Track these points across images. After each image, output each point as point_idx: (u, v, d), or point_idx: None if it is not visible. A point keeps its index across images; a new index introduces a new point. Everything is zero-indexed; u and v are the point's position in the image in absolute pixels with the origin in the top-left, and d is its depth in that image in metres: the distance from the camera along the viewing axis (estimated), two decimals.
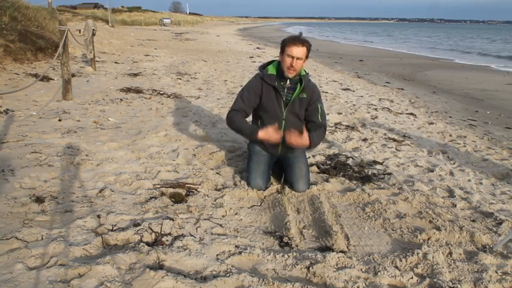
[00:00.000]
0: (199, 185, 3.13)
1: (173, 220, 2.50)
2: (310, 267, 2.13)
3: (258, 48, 19.82)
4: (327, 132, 3.35)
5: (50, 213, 2.50)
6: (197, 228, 2.48)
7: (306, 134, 2.95)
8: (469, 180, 3.65)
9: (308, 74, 3.14)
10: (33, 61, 8.14)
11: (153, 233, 2.33)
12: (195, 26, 52.49)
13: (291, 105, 3.09)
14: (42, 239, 2.19)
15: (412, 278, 2.11)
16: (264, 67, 3.17)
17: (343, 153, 4.09)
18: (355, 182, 3.39)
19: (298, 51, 2.90)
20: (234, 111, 3.14)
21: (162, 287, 1.89)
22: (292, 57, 2.91)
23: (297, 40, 2.92)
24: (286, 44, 2.95)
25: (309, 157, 3.74)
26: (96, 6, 64.89)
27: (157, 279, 1.91)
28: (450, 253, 2.38)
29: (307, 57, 2.99)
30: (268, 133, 2.95)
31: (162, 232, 2.36)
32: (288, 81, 3.05)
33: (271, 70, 3.09)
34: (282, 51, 2.98)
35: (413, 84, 10.91)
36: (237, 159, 3.78)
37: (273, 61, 3.18)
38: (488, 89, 10.46)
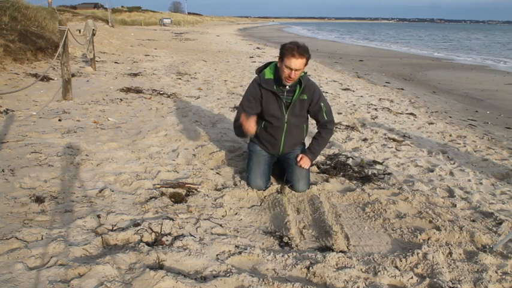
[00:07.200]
0: (199, 185, 3.13)
1: (173, 220, 2.50)
2: (310, 267, 2.14)
3: (258, 48, 19.83)
4: (333, 127, 3.34)
5: (50, 213, 2.50)
6: (197, 228, 2.48)
7: (307, 159, 3.16)
8: (469, 180, 3.65)
9: (306, 73, 3.12)
10: (33, 61, 8.14)
11: (153, 233, 2.33)
12: (195, 26, 52.45)
13: (291, 107, 3.08)
14: (42, 239, 2.19)
15: (412, 278, 2.11)
16: (260, 70, 3.14)
17: (343, 153, 4.09)
18: (355, 182, 3.39)
19: (297, 63, 2.84)
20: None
21: (162, 287, 1.89)
22: (291, 69, 2.87)
23: (296, 52, 2.82)
24: (285, 54, 2.86)
25: None
26: (96, 6, 64.97)
27: (157, 279, 1.91)
28: (450, 253, 2.38)
29: (305, 65, 2.94)
30: (243, 118, 2.91)
31: (162, 232, 2.36)
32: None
33: (268, 74, 3.06)
34: (281, 60, 2.91)
35: (413, 84, 10.91)
36: (237, 159, 3.78)
37: (269, 63, 3.14)
38: (488, 89, 10.45)
